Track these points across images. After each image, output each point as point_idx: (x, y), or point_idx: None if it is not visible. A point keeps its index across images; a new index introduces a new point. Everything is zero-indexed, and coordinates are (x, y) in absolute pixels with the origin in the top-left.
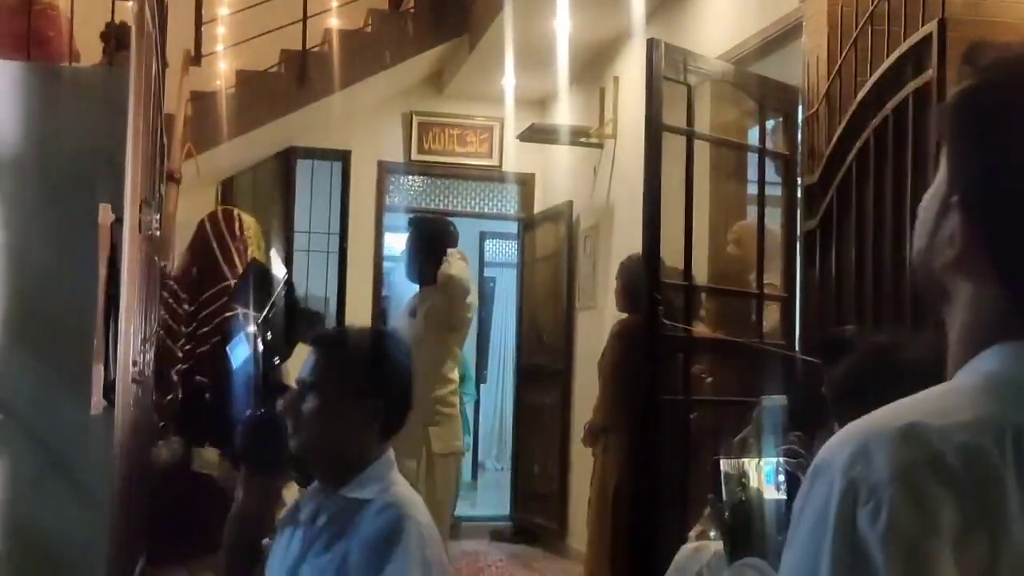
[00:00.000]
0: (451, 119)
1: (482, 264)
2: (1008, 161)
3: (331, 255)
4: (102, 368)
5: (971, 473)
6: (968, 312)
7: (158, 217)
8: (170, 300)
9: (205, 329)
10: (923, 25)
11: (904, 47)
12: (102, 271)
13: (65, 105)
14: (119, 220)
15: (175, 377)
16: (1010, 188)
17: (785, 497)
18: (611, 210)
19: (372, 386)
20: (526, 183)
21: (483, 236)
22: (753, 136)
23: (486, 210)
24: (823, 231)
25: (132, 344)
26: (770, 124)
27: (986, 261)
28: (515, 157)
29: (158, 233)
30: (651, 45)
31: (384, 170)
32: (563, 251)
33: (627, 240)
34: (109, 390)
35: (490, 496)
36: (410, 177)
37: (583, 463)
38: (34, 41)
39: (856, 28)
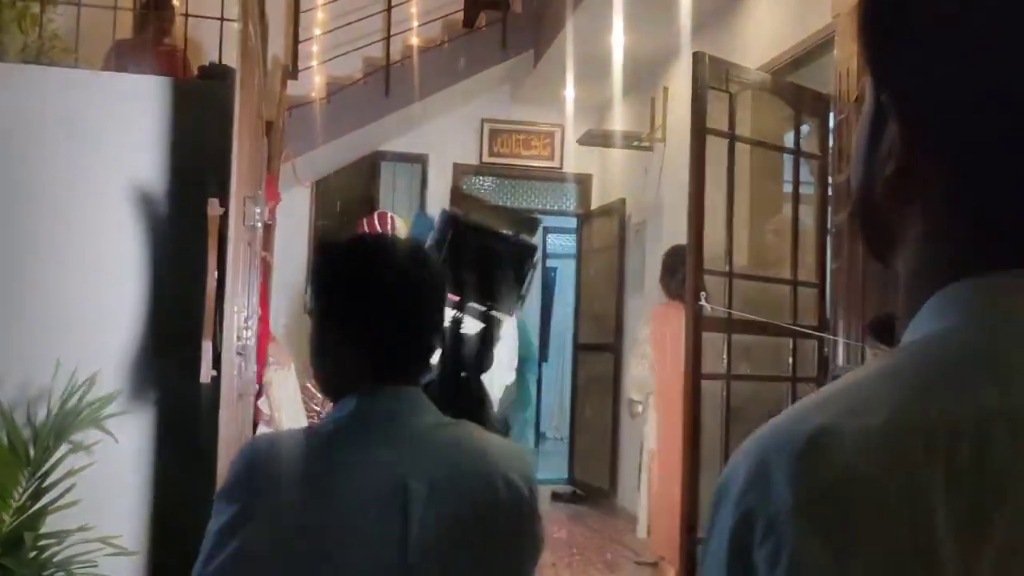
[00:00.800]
0: (518, 126)
1: (545, 255)
2: (929, 39)
3: None
4: (211, 343)
5: (896, 495)
6: (916, 253)
7: (260, 211)
8: None
9: None
10: None
11: None
12: (211, 258)
13: (183, 114)
14: (226, 213)
15: None
16: (943, 67)
17: None
18: (659, 207)
19: (349, 307)
20: (584, 183)
21: (546, 231)
22: (789, 140)
23: (548, 207)
24: (852, 225)
25: (236, 321)
26: (804, 129)
27: (931, 167)
28: (574, 159)
29: (260, 225)
30: (697, 58)
31: (458, 171)
32: (616, 243)
33: (674, 233)
34: (217, 361)
35: (551, 462)
36: (481, 177)
37: (631, 430)
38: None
39: None
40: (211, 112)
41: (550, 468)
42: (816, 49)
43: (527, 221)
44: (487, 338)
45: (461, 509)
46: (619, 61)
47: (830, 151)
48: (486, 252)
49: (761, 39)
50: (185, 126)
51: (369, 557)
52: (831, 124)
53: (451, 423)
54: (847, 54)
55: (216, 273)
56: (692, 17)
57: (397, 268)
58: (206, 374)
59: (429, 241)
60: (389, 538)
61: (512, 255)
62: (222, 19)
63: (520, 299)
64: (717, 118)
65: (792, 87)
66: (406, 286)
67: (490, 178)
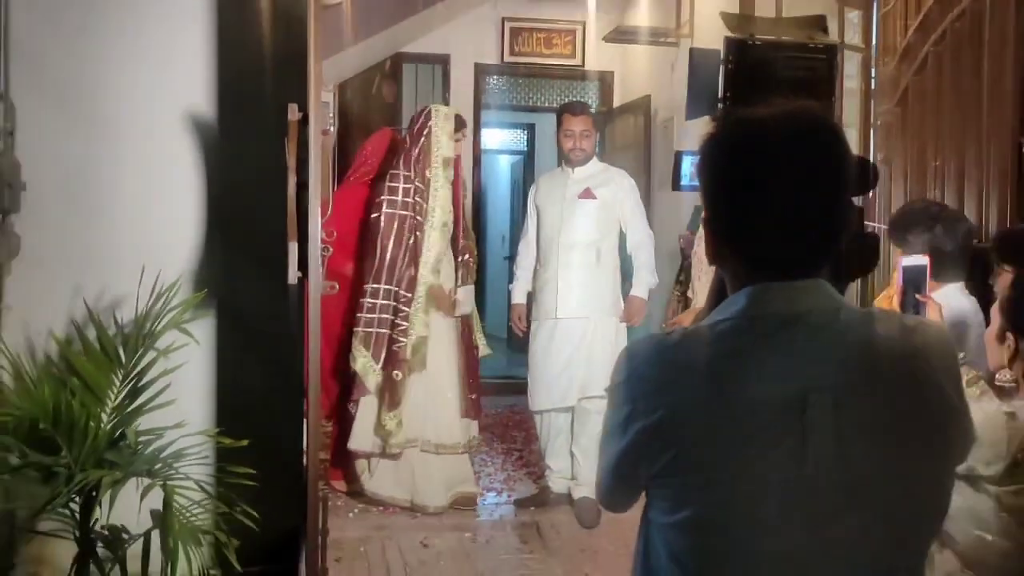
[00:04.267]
0: (538, 23)
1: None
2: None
3: None
4: (296, 244)
5: None
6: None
7: (331, 115)
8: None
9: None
10: None
11: None
12: (291, 161)
13: (251, 19)
14: (305, 117)
15: None
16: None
17: None
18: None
19: (738, 194)
20: (606, 80)
21: None
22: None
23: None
24: (902, 114)
25: (318, 223)
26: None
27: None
28: (596, 57)
29: (332, 129)
30: None
31: (480, 72)
32: (642, 140)
33: (702, 127)
34: (302, 263)
35: None
36: (503, 77)
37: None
38: None
39: None
40: (268, 12)
41: None
42: None
43: (814, 20)
44: None
45: (869, 416)
46: None
47: (873, 43)
48: (789, 68)
49: None
50: (244, 28)
51: (767, 472)
52: (875, 15)
53: (860, 315)
54: None
55: (296, 176)
56: None
57: (796, 147)
58: (293, 275)
59: (721, 75)
60: (789, 454)
61: (815, 63)
62: None
63: (834, 106)
64: (761, 7)
65: None
66: (806, 166)
67: (511, 78)
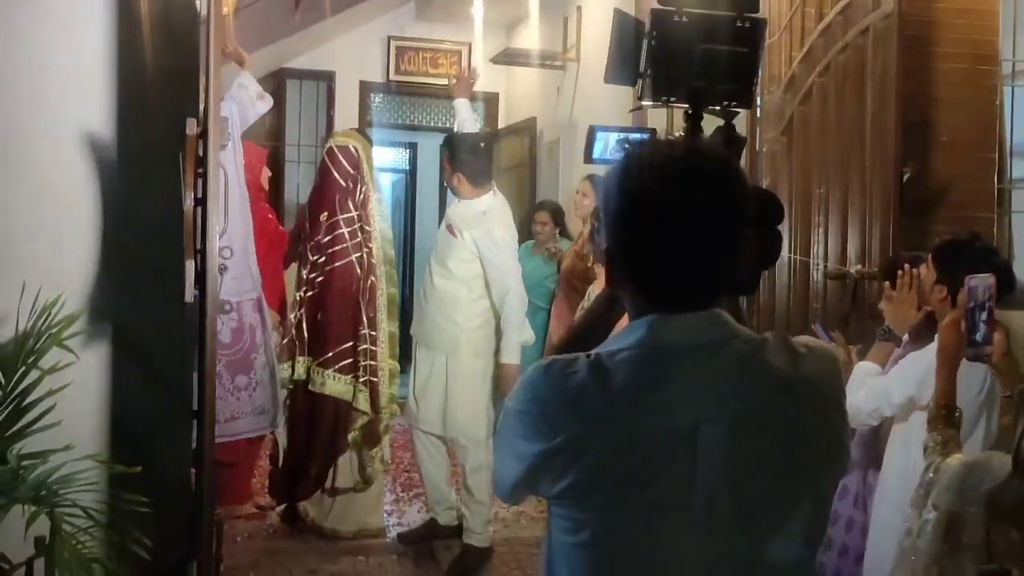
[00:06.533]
0: (424, 43)
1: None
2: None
3: (316, 166)
4: (193, 262)
5: None
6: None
7: (230, 131)
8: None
9: (322, 258)
10: None
11: None
12: (189, 177)
13: (142, 32)
14: (204, 132)
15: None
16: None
17: None
18: (574, 125)
19: (639, 233)
20: (491, 101)
21: None
22: None
23: (453, 126)
24: (788, 142)
25: (217, 240)
26: None
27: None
28: (482, 78)
29: (229, 144)
30: None
31: (365, 89)
32: (527, 161)
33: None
34: (200, 281)
35: None
36: (388, 95)
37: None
38: None
39: None
40: (162, 28)
41: None
42: None
43: None
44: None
45: (759, 443)
46: None
47: (759, 72)
48: (713, 41)
49: None
50: (136, 40)
51: (661, 497)
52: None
53: (752, 343)
54: None
55: (193, 193)
56: None
57: (696, 187)
58: (190, 294)
59: (644, 48)
60: (680, 480)
61: (741, 41)
62: None
63: (754, 90)
64: None
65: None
66: (706, 205)
67: (396, 96)
